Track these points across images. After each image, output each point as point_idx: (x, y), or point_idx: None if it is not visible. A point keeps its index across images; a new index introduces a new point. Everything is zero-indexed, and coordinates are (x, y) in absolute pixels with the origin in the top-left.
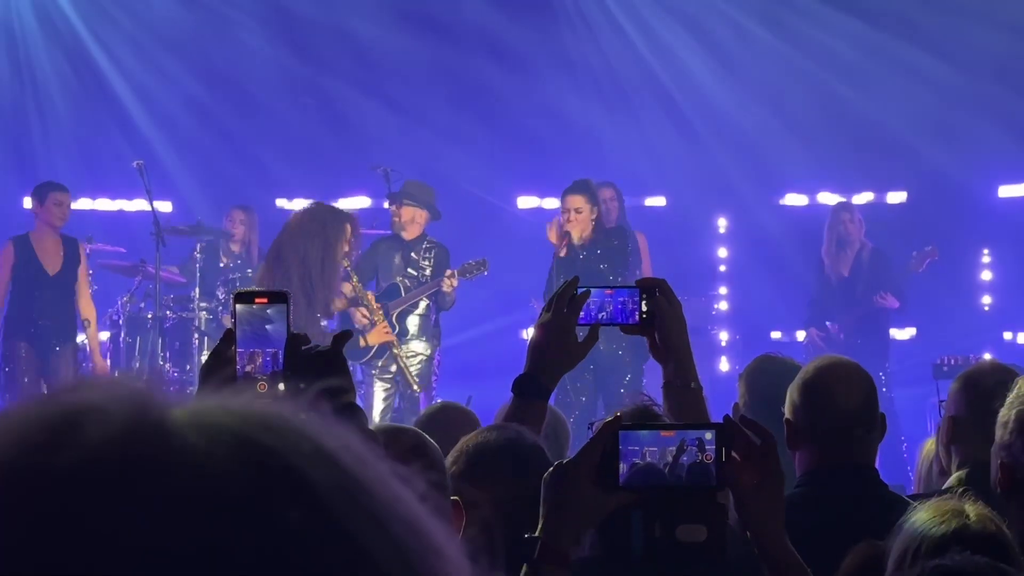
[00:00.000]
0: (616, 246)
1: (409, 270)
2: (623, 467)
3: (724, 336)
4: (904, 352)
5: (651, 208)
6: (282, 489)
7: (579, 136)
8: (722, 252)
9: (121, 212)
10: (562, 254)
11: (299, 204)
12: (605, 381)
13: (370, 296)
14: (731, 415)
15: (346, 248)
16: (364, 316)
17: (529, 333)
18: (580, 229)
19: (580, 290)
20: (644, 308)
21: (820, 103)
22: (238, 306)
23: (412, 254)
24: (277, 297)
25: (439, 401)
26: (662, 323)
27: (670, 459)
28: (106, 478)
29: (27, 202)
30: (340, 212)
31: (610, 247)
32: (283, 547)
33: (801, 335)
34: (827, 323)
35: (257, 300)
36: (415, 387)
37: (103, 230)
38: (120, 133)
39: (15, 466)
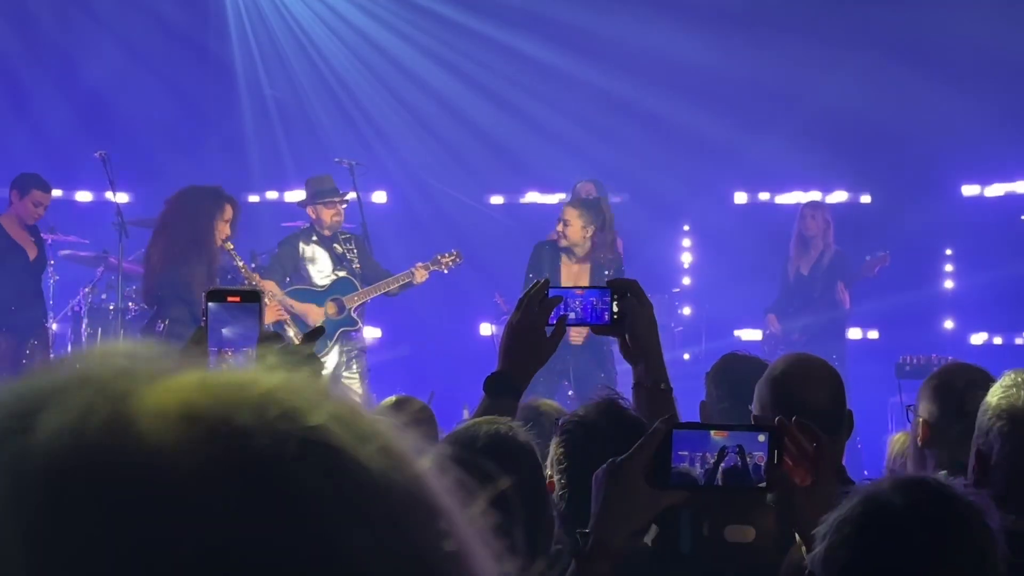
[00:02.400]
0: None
1: (344, 264)
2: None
3: (687, 333)
4: (866, 352)
5: (612, 204)
6: (256, 490)
7: (544, 134)
8: (686, 251)
9: (83, 203)
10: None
11: (272, 198)
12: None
13: (255, 277)
14: (700, 413)
15: (225, 226)
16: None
17: (491, 329)
18: (566, 242)
19: (552, 293)
20: (615, 309)
21: (784, 102)
22: (210, 304)
23: (336, 246)
24: (250, 296)
25: (396, 395)
26: (633, 324)
27: (710, 464)
28: (58, 469)
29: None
30: (220, 192)
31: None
32: (241, 553)
33: (759, 334)
34: (776, 321)
35: (229, 298)
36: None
37: (65, 220)
38: (83, 123)
39: None
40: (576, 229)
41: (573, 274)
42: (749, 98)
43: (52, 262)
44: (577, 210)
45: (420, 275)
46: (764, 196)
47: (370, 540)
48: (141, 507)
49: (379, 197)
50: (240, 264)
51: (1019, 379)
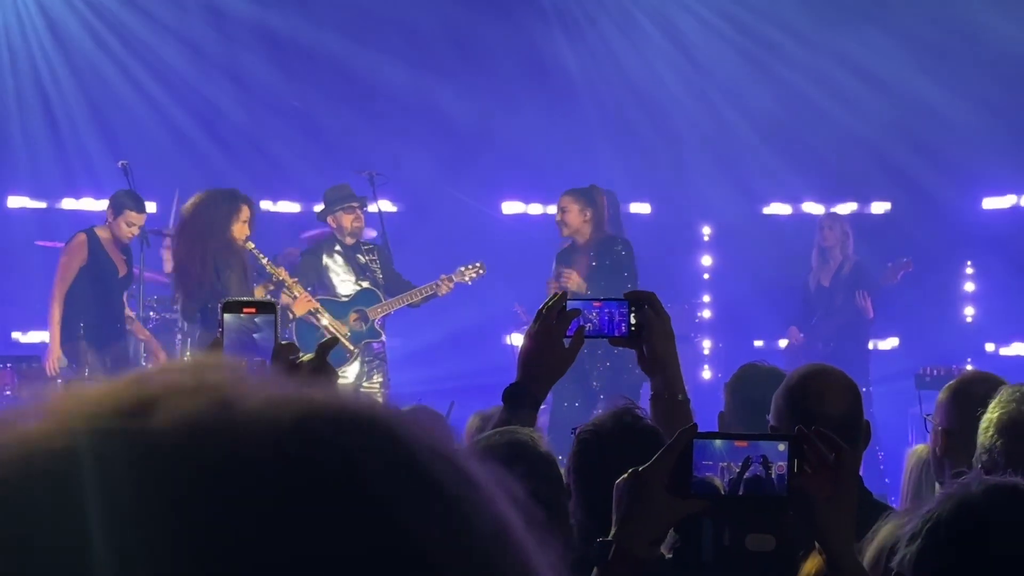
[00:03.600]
0: (623, 256)
1: (367, 275)
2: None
3: (707, 344)
4: (887, 362)
5: (635, 215)
6: (337, 487)
7: (564, 142)
8: (706, 260)
9: (97, 212)
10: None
11: (285, 207)
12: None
13: (281, 271)
14: (718, 424)
15: (243, 226)
16: (285, 295)
17: (513, 340)
18: (567, 230)
19: (570, 305)
20: (633, 320)
21: (804, 113)
22: (226, 315)
23: (359, 256)
24: (265, 307)
25: (413, 405)
26: (650, 336)
27: (734, 474)
28: (173, 455)
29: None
30: (236, 194)
31: (618, 257)
32: (325, 548)
33: (783, 342)
34: (800, 332)
35: (245, 309)
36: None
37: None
38: (102, 132)
39: (85, 440)
40: (574, 214)
41: (584, 264)
42: (772, 109)
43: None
44: (571, 196)
45: (444, 287)
46: (786, 207)
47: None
48: (245, 503)
49: (393, 206)
50: (264, 261)
51: (1018, 393)
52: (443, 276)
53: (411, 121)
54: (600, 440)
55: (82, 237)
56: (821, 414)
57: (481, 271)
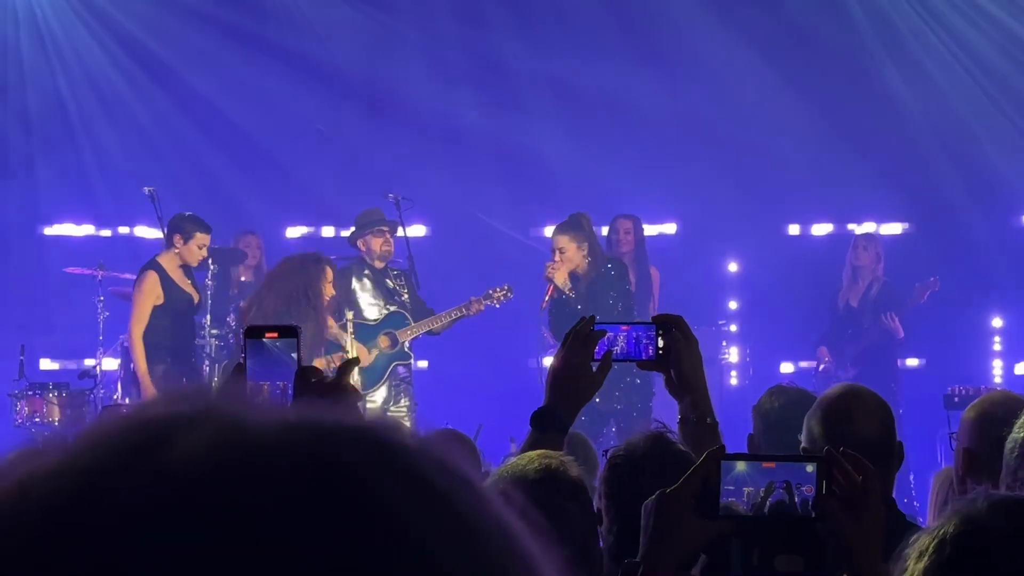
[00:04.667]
0: (612, 274)
1: (396, 299)
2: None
3: (735, 366)
4: (914, 382)
5: (661, 236)
6: (351, 514)
7: (587, 164)
8: (733, 280)
9: (131, 237)
10: (543, 304)
11: (299, 232)
12: (617, 417)
13: (348, 337)
14: (748, 447)
15: (329, 287)
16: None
17: (542, 363)
18: (565, 271)
19: (597, 327)
20: (660, 344)
21: (835, 131)
22: (248, 340)
23: (388, 281)
24: (287, 331)
25: (440, 429)
26: (678, 359)
27: (758, 498)
28: (198, 480)
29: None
30: (322, 257)
31: (606, 276)
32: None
33: (812, 364)
34: (828, 354)
35: (267, 334)
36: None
37: (114, 257)
38: (127, 157)
39: (104, 472)
40: (573, 251)
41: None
42: (801, 129)
43: (102, 299)
44: (566, 235)
45: (475, 308)
46: (816, 228)
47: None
48: (264, 533)
49: (419, 231)
50: (349, 335)
51: None
52: (472, 298)
53: (437, 143)
54: (632, 464)
55: (153, 277)
56: (854, 435)
57: (509, 294)
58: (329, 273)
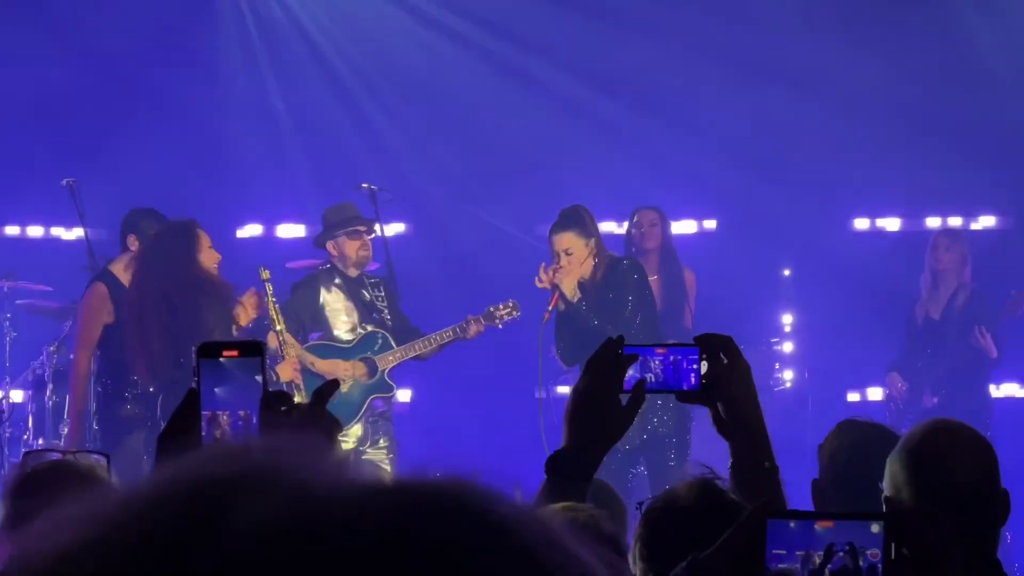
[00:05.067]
0: (632, 276)
1: (374, 315)
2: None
3: (791, 395)
4: (1009, 413)
5: (699, 235)
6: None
7: (602, 149)
8: (786, 288)
9: (47, 240)
10: (545, 318)
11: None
12: (647, 451)
13: (279, 319)
14: (813, 495)
15: (211, 254)
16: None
17: (544, 393)
18: (575, 277)
19: (627, 351)
20: (703, 370)
21: (909, 102)
22: (202, 360)
23: (364, 292)
24: (249, 348)
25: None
26: (727, 390)
27: (815, 564)
28: (259, 555)
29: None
30: (183, 223)
31: (620, 278)
32: None
33: (876, 392)
34: (901, 379)
35: (225, 352)
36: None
37: (25, 263)
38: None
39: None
40: (581, 250)
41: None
42: (870, 103)
43: (8, 315)
44: (571, 231)
45: (474, 329)
46: (889, 222)
47: None
48: None
49: (399, 229)
50: (270, 295)
51: None
52: (470, 317)
53: (422, 126)
54: (674, 519)
55: (101, 290)
56: (950, 481)
57: (515, 312)
58: (204, 237)
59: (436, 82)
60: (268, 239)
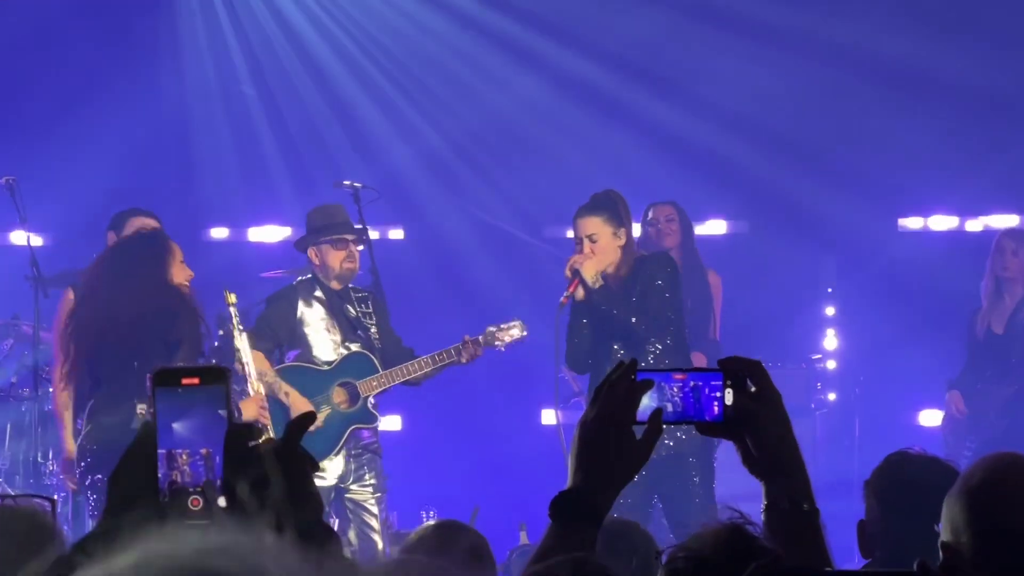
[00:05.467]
0: (662, 276)
1: (359, 333)
2: None
3: (834, 421)
4: None
5: (727, 236)
6: None
7: (617, 143)
8: (830, 302)
9: None
10: (563, 302)
11: (260, 235)
12: (662, 488)
13: (244, 350)
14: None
15: (182, 268)
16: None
17: (554, 417)
18: (599, 263)
19: (641, 376)
20: (729, 399)
21: (963, 93)
22: (158, 389)
23: (349, 308)
24: (212, 375)
25: (435, 521)
26: (756, 421)
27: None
28: None
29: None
30: (154, 232)
31: (649, 279)
32: None
33: (932, 416)
34: (962, 400)
35: (184, 380)
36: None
37: None
38: None
39: None
40: (608, 239)
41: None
42: (921, 84)
43: None
44: (599, 216)
45: (468, 353)
46: (945, 221)
47: None
48: None
49: (393, 233)
50: (236, 322)
51: None
52: (467, 337)
53: (415, 113)
54: (700, 571)
55: (69, 296)
56: (1017, 527)
57: (521, 332)
58: (177, 251)
59: (431, 63)
60: (238, 243)
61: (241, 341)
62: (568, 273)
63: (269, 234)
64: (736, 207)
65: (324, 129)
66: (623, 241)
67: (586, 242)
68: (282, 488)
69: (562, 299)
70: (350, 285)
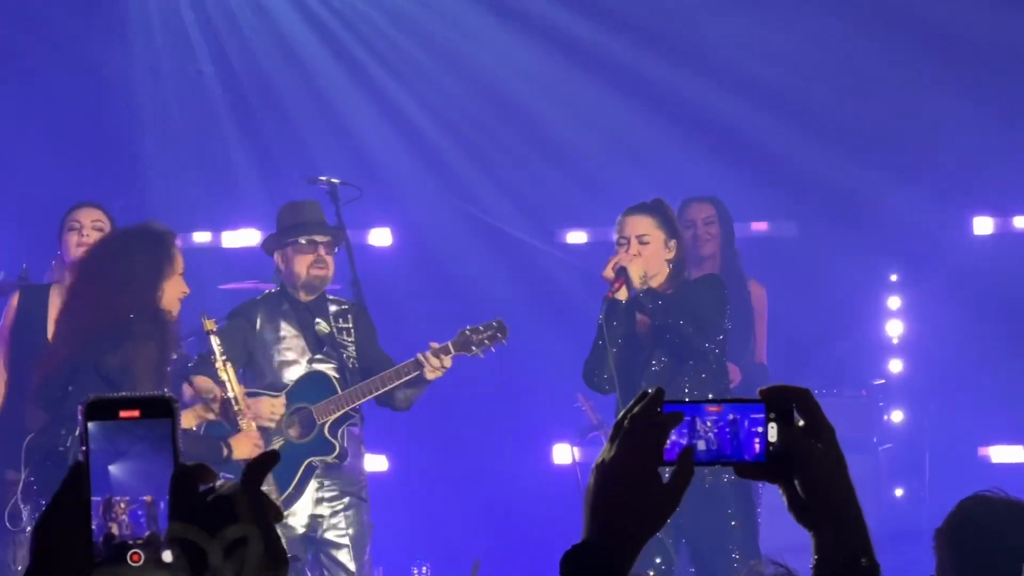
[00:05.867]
0: (708, 298)
1: (326, 350)
2: None
3: (900, 456)
4: None
5: (772, 238)
6: None
7: (641, 137)
8: (894, 317)
9: None
10: (618, 294)
11: (236, 239)
12: (693, 530)
13: (232, 382)
14: None
15: (178, 283)
16: (210, 411)
17: (569, 453)
18: (644, 265)
19: (668, 408)
20: (773, 436)
21: None
22: (91, 424)
23: (320, 323)
24: (155, 406)
25: None
26: (805, 462)
27: None
28: None
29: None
30: (166, 239)
31: (696, 300)
32: None
33: (1014, 452)
34: None
35: (123, 413)
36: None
37: None
38: None
39: None
40: (658, 244)
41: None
42: (1000, 67)
43: None
44: (653, 218)
45: (434, 365)
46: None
47: None
48: None
49: (379, 237)
50: (218, 353)
51: None
52: (433, 345)
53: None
54: None
55: (13, 302)
56: None
57: (499, 336)
58: (178, 262)
59: (423, 35)
60: (198, 250)
61: (226, 372)
62: (610, 272)
63: (237, 239)
64: (781, 205)
65: (296, 115)
66: (672, 255)
67: (634, 241)
68: (260, 546)
69: (608, 293)
70: (329, 296)
